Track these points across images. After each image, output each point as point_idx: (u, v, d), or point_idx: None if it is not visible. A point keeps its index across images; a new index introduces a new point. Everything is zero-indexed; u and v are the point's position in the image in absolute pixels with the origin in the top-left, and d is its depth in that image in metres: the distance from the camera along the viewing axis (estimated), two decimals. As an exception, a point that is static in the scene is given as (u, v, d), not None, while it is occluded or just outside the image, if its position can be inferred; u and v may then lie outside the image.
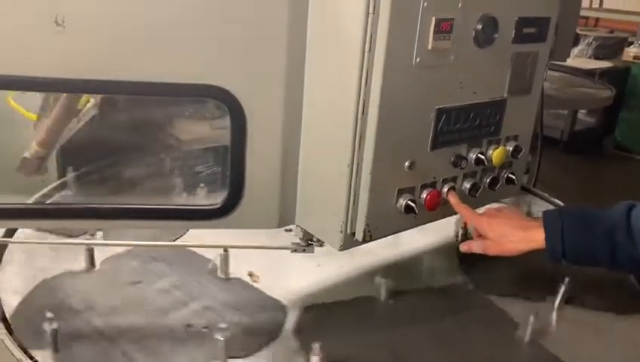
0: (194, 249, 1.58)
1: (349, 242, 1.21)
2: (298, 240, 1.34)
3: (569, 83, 4.34)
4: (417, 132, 1.19)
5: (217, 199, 1.27)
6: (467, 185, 1.33)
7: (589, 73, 4.96)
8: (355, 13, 1.05)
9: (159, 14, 1.08)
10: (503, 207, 1.38)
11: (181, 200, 1.82)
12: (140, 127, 1.99)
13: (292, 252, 1.35)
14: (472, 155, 1.30)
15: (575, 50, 5.55)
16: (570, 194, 2.05)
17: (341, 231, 1.20)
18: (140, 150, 2.07)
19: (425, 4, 1.07)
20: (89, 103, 1.70)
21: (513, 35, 1.26)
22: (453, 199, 1.28)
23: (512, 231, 1.23)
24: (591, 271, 1.45)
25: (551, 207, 1.88)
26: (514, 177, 1.42)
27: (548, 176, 2.20)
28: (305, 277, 1.50)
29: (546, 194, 1.98)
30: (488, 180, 1.37)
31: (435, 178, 1.26)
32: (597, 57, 5.67)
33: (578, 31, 5.53)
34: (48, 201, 1.77)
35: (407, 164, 1.18)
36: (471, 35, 1.18)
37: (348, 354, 1.23)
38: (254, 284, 1.46)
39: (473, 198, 1.33)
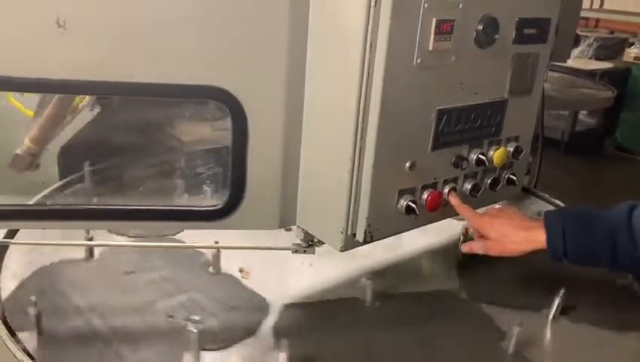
0: (186, 241, 1.61)
1: (349, 243, 1.21)
2: (299, 241, 1.34)
3: (570, 84, 4.34)
4: (418, 133, 1.19)
5: (218, 200, 1.27)
6: (468, 185, 1.33)
7: (590, 74, 4.96)
8: (356, 14, 1.05)
9: (160, 15, 1.09)
10: (505, 208, 1.38)
11: (182, 201, 1.82)
12: (141, 128, 1.99)
13: (293, 253, 1.35)
14: (473, 156, 1.30)
15: (575, 51, 5.54)
16: (571, 195, 2.05)
17: (342, 232, 1.20)
18: (141, 151, 2.07)
19: (425, 5, 1.07)
20: (83, 101, 1.70)
21: (514, 36, 1.26)
22: (454, 200, 1.28)
23: (514, 232, 1.24)
24: (591, 280, 1.46)
25: (552, 207, 1.88)
26: (515, 178, 1.42)
27: (549, 177, 2.20)
28: (295, 276, 1.51)
29: (547, 195, 1.98)
30: (489, 181, 1.37)
31: (435, 179, 1.26)
32: (598, 58, 5.67)
33: (578, 32, 5.53)
34: (49, 202, 1.77)
35: (407, 164, 1.19)
36: (472, 35, 1.18)
37: (321, 353, 1.24)
38: (243, 280, 1.48)
39: (474, 199, 1.33)
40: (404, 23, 1.06)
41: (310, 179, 1.25)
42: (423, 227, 1.31)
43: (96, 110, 1.92)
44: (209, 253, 1.53)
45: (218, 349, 1.23)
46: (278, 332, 1.29)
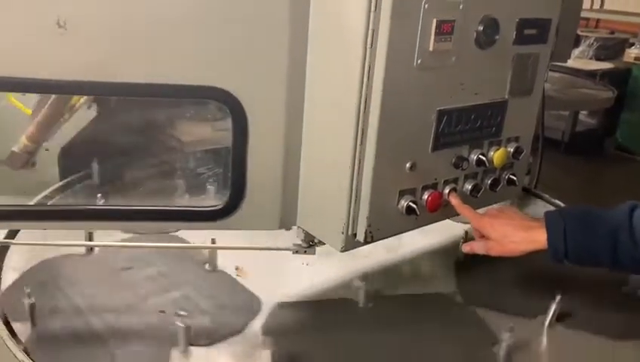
0: (182, 236, 1.63)
1: (350, 243, 1.21)
2: (299, 242, 1.34)
3: (570, 84, 4.34)
4: (418, 133, 1.19)
5: (219, 200, 1.27)
6: (468, 186, 1.33)
7: (590, 74, 4.96)
8: (357, 14, 1.05)
9: (160, 16, 1.09)
10: (505, 208, 1.38)
11: (183, 201, 1.82)
12: (142, 128, 1.99)
13: (294, 253, 1.35)
14: (474, 156, 1.30)
15: (576, 52, 5.54)
16: (571, 195, 2.05)
17: (342, 233, 1.20)
18: (142, 152, 2.07)
19: (426, 6, 1.07)
20: (81, 100, 1.70)
21: (514, 37, 1.26)
22: (454, 200, 1.28)
23: (514, 232, 1.24)
24: (591, 284, 1.46)
25: (552, 208, 1.88)
26: (515, 178, 1.42)
27: (549, 178, 2.20)
28: (291, 276, 1.52)
29: (547, 196, 1.98)
30: (489, 181, 1.37)
31: (436, 179, 1.26)
32: (598, 58, 5.66)
33: (579, 32, 5.52)
34: (50, 203, 1.77)
35: (408, 165, 1.19)
36: (472, 36, 1.18)
37: (307, 352, 1.25)
38: (238, 278, 1.50)
39: (474, 199, 1.33)
40: (405, 24, 1.07)
41: (311, 179, 1.25)
42: (423, 227, 1.31)
43: (94, 108, 1.92)
44: (206, 251, 1.54)
45: (206, 345, 1.24)
46: (267, 331, 1.31)
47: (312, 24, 1.14)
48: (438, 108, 1.19)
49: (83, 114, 2.00)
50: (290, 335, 1.29)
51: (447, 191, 1.28)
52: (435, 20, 1.09)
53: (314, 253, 1.35)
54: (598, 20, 6.89)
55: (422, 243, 1.69)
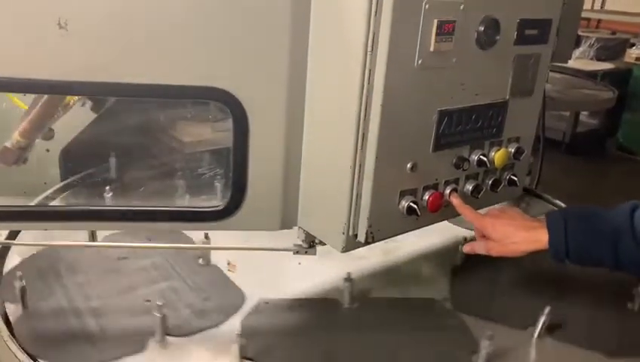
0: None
1: (351, 244, 1.21)
2: (300, 242, 1.34)
3: (571, 84, 4.34)
4: (419, 133, 1.19)
5: (220, 201, 1.27)
6: (469, 186, 1.33)
7: (591, 75, 4.95)
8: (358, 14, 1.05)
9: (162, 17, 1.09)
10: (506, 208, 1.38)
11: (184, 201, 1.82)
12: (142, 129, 1.99)
13: (294, 254, 1.35)
14: (474, 157, 1.30)
15: (577, 52, 5.54)
16: (572, 196, 2.04)
17: (343, 233, 1.19)
18: (142, 152, 2.07)
19: (427, 6, 1.07)
20: (75, 97, 1.70)
21: (515, 37, 1.26)
22: (455, 201, 1.28)
23: (515, 232, 1.23)
24: (591, 299, 1.45)
25: (553, 208, 1.88)
26: (516, 179, 1.42)
27: (550, 178, 2.20)
28: (280, 273, 1.52)
29: (548, 196, 1.98)
30: (490, 182, 1.37)
31: (437, 179, 1.26)
32: (599, 59, 5.66)
33: (580, 32, 5.52)
34: (51, 204, 1.77)
35: (409, 165, 1.19)
36: (473, 36, 1.18)
37: (275, 348, 1.26)
38: (228, 273, 1.52)
39: (475, 200, 1.33)
40: (405, 24, 1.07)
41: (311, 179, 1.25)
42: (422, 229, 1.31)
43: (88, 105, 1.92)
44: (201, 244, 1.58)
45: (182, 336, 1.28)
46: (245, 326, 1.32)
47: (312, 25, 1.14)
48: (438, 109, 1.19)
49: (84, 115, 2.01)
50: (265, 332, 1.31)
51: (448, 191, 1.28)
52: (436, 21, 1.09)
53: (315, 254, 1.35)
54: (599, 21, 6.89)
55: (421, 244, 1.69)
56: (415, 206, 1.21)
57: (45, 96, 1.61)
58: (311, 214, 1.27)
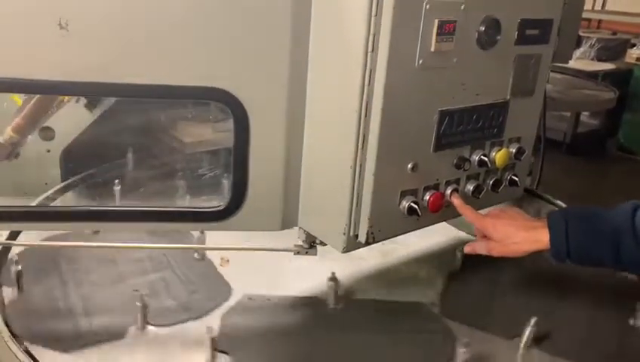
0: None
1: (352, 244, 1.21)
2: (300, 242, 1.34)
3: (572, 85, 4.34)
4: (420, 134, 1.19)
5: (221, 201, 1.27)
6: (470, 187, 1.33)
7: (592, 75, 4.95)
8: (358, 14, 1.05)
9: (162, 17, 1.09)
10: (507, 208, 1.38)
11: (184, 202, 1.82)
12: (143, 130, 2.00)
13: (295, 254, 1.35)
14: (475, 157, 1.30)
15: (578, 52, 5.55)
16: (573, 196, 2.04)
17: (344, 233, 1.19)
18: (143, 152, 2.08)
19: (427, 7, 1.07)
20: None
21: (516, 37, 1.26)
22: (456, 201, 1.28)
23: (516, 232, 1.23)
24: (587, 308, 1.43)
25: (554, 208, 1.88)
26: (517, 179, 1.42)
27: (551, 179, 2.20)
28: (275, 272, 1.52)
29: (549, 196, 1.98)
30: (491, 182, 1.37)
31: (438, 180, 1.26)
32: (600, 59, 5.66)
33: (581, 33, 5.52)
34: (52, 204, 1.77)
35: (410, 165, 1.18)
36: (474, 36, 1.18)
37: (254, 344, 1.27)
38: (220, 267, 1.54)
39: (476, 200, 1.33)
40: (406, 24, 1.06)
41: (312, 180, 1.25)
42: (424, 229, 1.31)
43: (82, 102, 1.92)
44: (196, 239, 1.59)
45: (163, 326, 1.30)
46: (226, 320, 1.34)
47: (313, 25, 1.14)
48: (439, 109, 1.19)
49: (86, 116, 2.01)
50: (243, 327, 1.32)
51: (448, 191, 1.28)
52: (436, 21, 1.09)
53: (315, 254, 1.35)
54: (599, 21, 6.89)
55: (421, 245, 1.68)
56: (416, 206, 1.21)
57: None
58: (311, 214, 1.27)
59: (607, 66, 5.43)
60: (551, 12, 1.32)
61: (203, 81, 1.14)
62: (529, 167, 1.68)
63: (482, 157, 1.30)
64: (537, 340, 1.29)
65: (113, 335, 1.27)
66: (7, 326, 1.25)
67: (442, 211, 1.27)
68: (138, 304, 1.27)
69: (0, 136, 1.65)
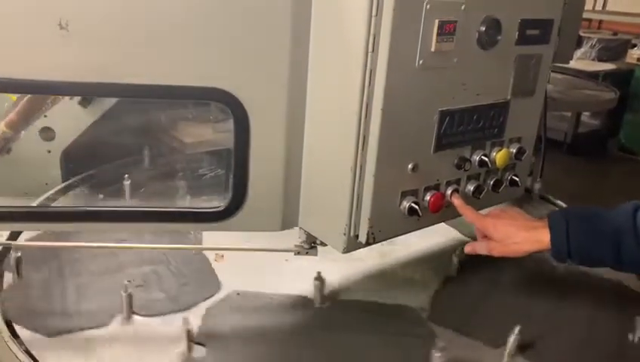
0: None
1: (352, 244, 1.21)
2: (301, 243, 1.34)
3: (572, 85, 4.33)
4: (420, 134, 1.19)
5: (221, 201, 1.27)
6: (471, 187, 1.33)
7: (593, 75, 4.95)
8: (359, 14, 1.05)
9: (162, 17, 1.09)
10: (508, 208, 1.38)
11: (184, 202, 1.82)
12: (144, 130, 2.00)
13: (295, 254, 1.35)
14: (476, 157, 1.30)
15: (578, 53, 5.55)
16: (574, 196, 2.04)
17: (344, 234, 1.19)
18: (144, 153, 2.08)
19: (428, 7, 1.07)
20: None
21: (516, 37, 1.26)
22: (457, 201, 1.28)
23: (517, 232, 1.23)
24: (584, 320, 1.40)
25: (555, 209, 1.88)
26: (517, 179, 1.41)
27: (551, 179, 2.19)
28: (270, 271, 1.52)
29: (550, 197, 1.98)
30: (492, 182, 1.37)
31: (438, 180, 1.26)
32: (600, 59, 5.66)
33: (581, 33, 5.52)
34: (53, 204, 1.77)
35: (410, 166, 1.18)
36: (474, 36, 1.18)
37: (232, 338, 1.28)
38: (214, 263, 1.55)
39: (477, 200, 1.33)
40: (406, 24, 1.06)
41: (312, 180, 1.25)
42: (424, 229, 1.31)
43: (76, 99, 1.92)
44: (194, 234, 1.62)
45: (149, 316, 1.34)
46: (210, 313, 1.35)
47: (313, 25, 1.14)
48: (440, 109, 1.19)
49: (87, 116, 2.01)
50: (226, 321, 1.33)
51: (449, 192, 1.28)
52: (437, 21, 1.09)
53: (315, 254, 1.35)
54: (600, 21, 6.89)
55: (422, 246, 1.67)
56: (416, 206, 1.20)
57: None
58: (312, 215, 1.27)
59: (608, 67, 5.43)
60: (551, 12, 1.32)
61: (203, 81, 1.14)
62: (530, 167, 1.68)
63: (483, 157, 1.30)
64: (523, 348, 1.26)
65: (99, 323, 1.30)
66: (9, 325, 1.25)
67: (443, 211, 1.27)
68: (123, 294, 1.31)
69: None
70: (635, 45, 5.91)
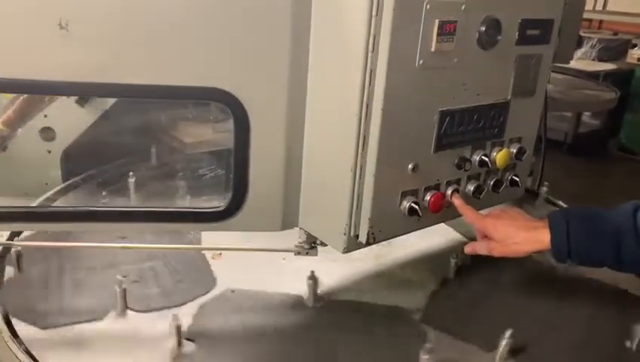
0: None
1: (352, 244, 1.21)
2: (301, 243, 1.34)
3: (573, 85, 4.33)
4: (421, 134, 1.19)
5: (221, 201, 1.27)
6: (471, 187, 1.32)
7: (593, 75, 4.95)
8: (359, 15, 1.05)
9: (162, 17, 1.09)
10: (508, 208, 1.38)
11: (185, 202, 1.82)
12: (144, 130, 2.00)
13: (295, 254, 1.35)
14: (476, 157, 1.30)
15: (579, 53, 5.55)
16: (574, 196, 2.04)
17: (345, 234, 1.19)
18: (144, 153, 2.08)
19: (428, 7, 1.07)
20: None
21: (517, 37, 1.25)
22: (457, 201, 1.27)
23: (517, 233, 1.23)
24: (581, 327, 1.38)
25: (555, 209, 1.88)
26: (518, 179, 1.41)
27: (552, 179, 2.19)
28: (267, 270, 1.52)
29: (550, 197, 1.98)
30: (492, 182, 1.37)
31: (438, 180, 1.26)
32: (601, 59, 5.66)
33: (582, 33, 5.52)
34: (53, 204, 1.77)
35: (410, 166, 1.18)
36: (474, 36, 1.18)
37: (222, 335, 1.29)
38: (211, 260, 1.56)
39: (477, 200, 1.33)
40: (407, 24, 1.06)
41: (312, 180, 1.25)
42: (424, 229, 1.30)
43: (73, 98, 1.92)
44: (193, 233, 1.63)
45: (142, 311, 1.35)
46: (202, 309, 1.36)
47: (313, 25, 1.14)
48: (440, 109, 1.19)
49: (87, 117, 2.01)
50: (218, 318, 1.34)
51: (449, 192, 1.28)
52: (437, 21, 1.09)
53: (316, 254, 1.34)
54: (601, 21, 6.89)
55: (420, 246, 1.67)
56: (416, 206, 1.20)
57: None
58: (312, 215, 1.27)
59: (609, 67, 5.43)
60: (551, 12, 1.32)
61: (203, 81, 1.14)
62: (530, 168, 1.68)
63: (483, 157, 1.30)
64: (515, 352, 1.24)
65: (93, 317, 1.32)
66: (9, 325, 1.25)
67: (443, 211, 1.27)
68: (117, 289, 1.32)
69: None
70: (635, 45, 5.91)
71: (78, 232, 1.52)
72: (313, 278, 1.40)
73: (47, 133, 2.02)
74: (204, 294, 1.42)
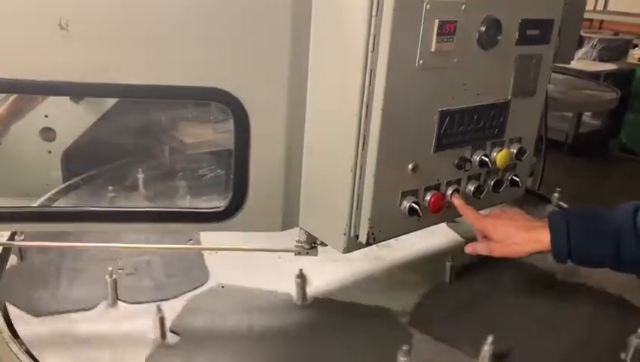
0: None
1: (352, 245, 1.21)
2: (301, 243, 1.34)
3: (573, 85, 4.33)
4: (421, 134, 1.19)
5: (221, 202, 1.27)
6: (471, 187, 1.32)
7: (594, 75, 4.95)
8: (359, 15, 1.05)
9: (162, 17, 1.09)
10: (508, 209, 1.37)
11: (185, 202, 1.82)
12: (144, 130, 2.00)
13: (295, 255, 1.35)
14: (476, 157, 1.30)
15: (579, 53, 5.55)
16: (574, 196, 2.04)
17: (345, 234, 1.19)
18: (144, 153, 2.08)
19: (428, 7, 1.07)
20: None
21: (517, 37, 1.25)
22: (457, 201, 1.27)
23: (517, 233, 1.23)
24: (576, 335, 1.36)
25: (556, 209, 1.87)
26: (518, 179, 1.41)
27: (552, 179, 2.19)
28: (264, 269, 1.51)
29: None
30: (492, 183, 1.37)
31: (438, 180, 1.26)
32: (601, 59, 5.66)
33: (582, 33, 5.52)
34: (54, 205, 1.77)
35: (410, 166, 1.18)
36: (474, 36, 1.18)
37: (207, 329, 1.31)
38: (207, 256, 1.57)
39: (477, 201, 1.33)
40: (406, 24, 1.06)
41: (313, 180, 1.25)
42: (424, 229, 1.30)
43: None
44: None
45: (133, 303, 1.38)
46: (190, 303, 1.38)
47: (313, 25, 1.14)
48: (440, 109, 1.19)
49: (87, 117, 2.01)
50: (205, 312, 1.36)
51: (449, 192, 1.28)
52: (437, 21, 1.09)
53: (316, 255, 1.34)
54: (601, 21, 6.89)
55: (420, 246, 1.66)
56: (417, 207, 1.20)
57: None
58: (312, 215, 1.27)
59: (609, 67, 5.43)
60: (552, 12, 1.32)
61: (203, 81, 1.14)
62: (530, 168, 1.67)
63: (483, 157, 1.30)
64: (499, 357, 1.21)
65: (85, 306, 1.35)
66: (10, 325, 1.26)
67: (443, 212, 1.27)
68: (108, 279, 1.35)
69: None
70: (636, 45, 5.91)
71: (78, 231, 1.52)
72: (302, 276, 1.40)
73: (48, 134, 2.02)
74: (195, 288, 1.44)
